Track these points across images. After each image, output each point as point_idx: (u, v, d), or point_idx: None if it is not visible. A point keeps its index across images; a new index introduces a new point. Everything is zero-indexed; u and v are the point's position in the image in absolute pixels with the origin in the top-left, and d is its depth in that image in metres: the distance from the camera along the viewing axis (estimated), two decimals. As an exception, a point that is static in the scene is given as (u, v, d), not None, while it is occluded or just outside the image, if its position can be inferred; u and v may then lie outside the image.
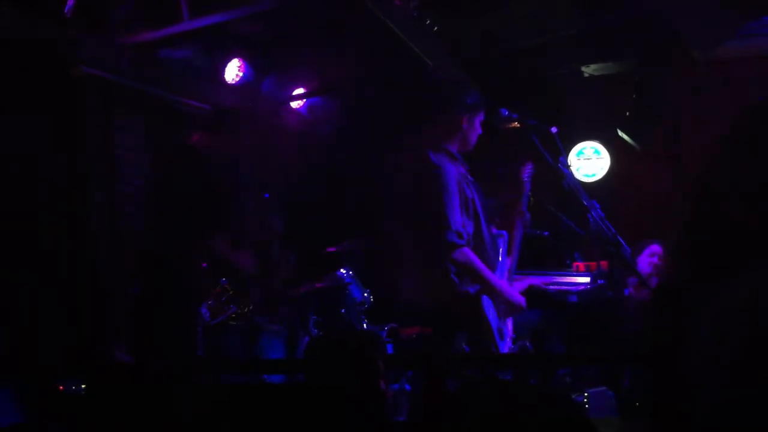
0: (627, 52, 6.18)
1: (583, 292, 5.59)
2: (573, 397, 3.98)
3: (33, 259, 4.48)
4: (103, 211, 4.98)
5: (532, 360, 3.80)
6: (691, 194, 1.19)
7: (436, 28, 5.54)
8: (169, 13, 4.76)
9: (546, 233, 5.11)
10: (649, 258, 4.83)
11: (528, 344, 4.04)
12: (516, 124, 3.86)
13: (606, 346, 4.82)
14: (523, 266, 4.08)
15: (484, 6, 5.52)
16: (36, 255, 4.51)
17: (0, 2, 4.25)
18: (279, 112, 6.77)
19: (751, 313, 0.90)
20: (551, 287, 5.71)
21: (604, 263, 5.62)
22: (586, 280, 5.73)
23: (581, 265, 5.92)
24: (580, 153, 7.18)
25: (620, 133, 6.33)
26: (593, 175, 7.12)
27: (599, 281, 5.57)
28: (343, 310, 5.28)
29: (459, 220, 3.50)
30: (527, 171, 4.02)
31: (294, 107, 6.88)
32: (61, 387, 3.64)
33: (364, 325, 5.28)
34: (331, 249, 5.67)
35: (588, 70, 6.71)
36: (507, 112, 3.82)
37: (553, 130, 3.81)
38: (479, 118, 3.76)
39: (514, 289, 3.80)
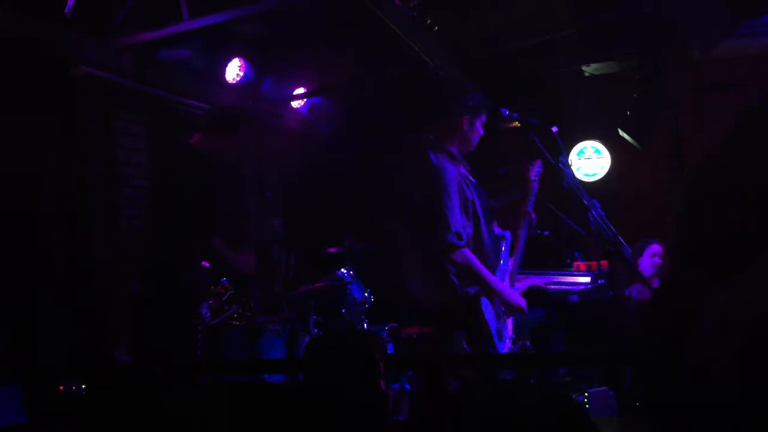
0: (627, 51, 6.18)
1: (583, 291, 5.60)
2: (573, 397, 3.98)
3: (33, 259, 4.48)
4: (103, 211, 4.98)
5: (532, 360, 3.79)
6: (690, 194, 1.19)
7: (436, 28, 5.54)
8: (169, 13, 4.76)
9: (546, 233, 5.12)
10: (650, 259, 4.84)
11: (528, 344, 4.04)
12: (516, 123, 3.86)
13: (606, 345, 4.82)
14: (523, 266, 4.07)
15: (484, 5, 5.52)
16: (36, 255, 4.51)
17: (0, 2, 4.25)
18: (279, 112, 6.77)
19: (752, 313, 0.89)
20: (552, 287, 5.72)
21: (604, 263, 5.62)
22: (587, 279, 5.73)
23: (582, 264, 5.93)
24: (580, 152, 7.19)
25: (621, 133, 6.33)
26: (594, 174, 7.13)
27: (600, 281, 5.58)
28: (343, 310, 5.29)
29: (459, 221, 3.50)
30: (535, 170, 4.01)
31: (294, 107, 6.89)
32: (61, 387, 3.64)
33: (365, 324, 5.29)
34: (331, 249, 5.67)
35: (588, 69, 6.71)
36: (507, 112, 3.82)
37: (554, 129, 3.81)
38: (481, 119, 3.76)
39: (516, 291, 3.80)
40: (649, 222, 5.48)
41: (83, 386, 3.58)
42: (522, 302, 3.69)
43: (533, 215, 3.97)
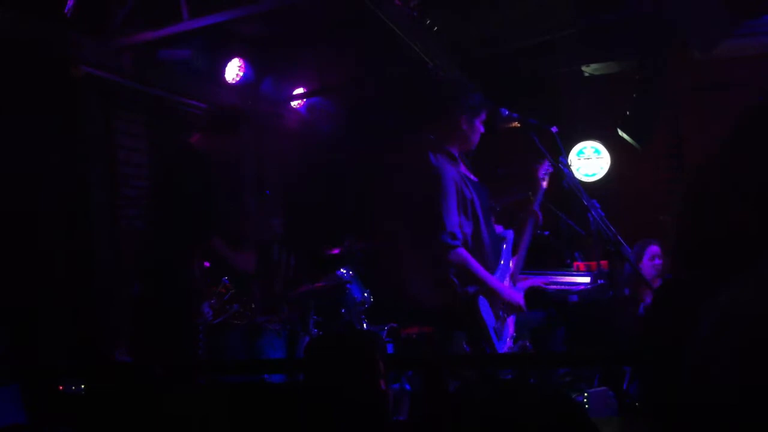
0: (627, 51, 6.18)
1: (583, 291, 5.60)
2: (573, 397, 3.98)
3: (33, 259, 4.48)
4: (103, 211, 4.98)
5: (532, 360, 3.79)
6: (690, 194, 1.19)
7: (435, 28, 5.54)
8: (169, 13, 4.76)
9: (546, 233, 5.12)
10: (650, 261, 4.82)
11: (528, 344, 4.04)
12: (516, 123, 3.86)
13: (606, 345, 4.82)
14: (524, 266, 4.07)
15: (484, 5, 5.52)
16: (36, 255, 4.51)
17: (0, 3, 4.25)
18: (279, 112, 6.78)
19: (752, 313, 0.89)
20: (551, 287, 5.71)
21: (604, 263, 5.62)
22: (587, 279, 5.73)
23: (581, 264, 5.93)
24: (580, 153, 7.19)
25: (620, 133, 6.33)
26: (593, 174, 7.13)
27: (599, 281, 5.57)
28: (343, 310, 5.29)
29: (455, 221, 3.50)
30: (543, 169, 4.00)
31: (294, 107, 6.89)
32: (60, 387, 3.64)
33: (364, 324, 5.29)
34: (331, 249, 5.68)
35: (588, 69, 6.71)
36: (507, 112, 3.82)
37: (554, 129, 3.81)
38: (480, 118, 3.76)
39: (518, 289, 3.80)
40: (649, 222, 5.49)
41: (83, 386, 3.58)
42: (520, 300, 3.69)
43: (540, 215, 3.96)
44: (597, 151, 7.15)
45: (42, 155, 4.61)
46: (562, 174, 3.83)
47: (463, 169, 3.75)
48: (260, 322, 4.85)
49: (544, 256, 5.81)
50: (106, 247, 4.95)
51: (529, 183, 4.02)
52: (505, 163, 5.81)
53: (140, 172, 5.31)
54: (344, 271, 5.36)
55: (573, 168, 6.42)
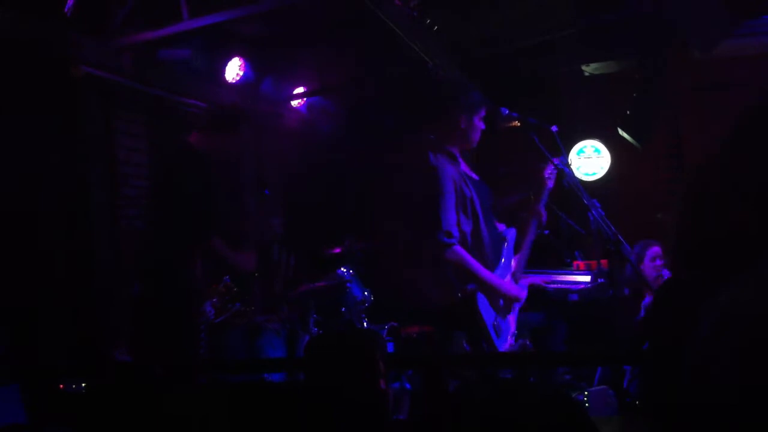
0: (627, 51, 6.19)
1: (583, 290, 5.60)
2: (573, 396, 3.98)
3: (33, 259, 4.47)
4: (103, 211, 4.98)
5: (532, 359, 3.79)
6: (690, 194, 1.19)
7: (435, 28, 5.54)
8: (169, 12, 4.76)
9: (546, 232, 5.11)
10: (651, 263, 4.81)
11: (528, 342, 4.04)
12: (516, 123, 3.86)
13: (606, 344, 4.82)
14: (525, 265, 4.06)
15: (484, 5, 5.52)
16: (36, 255, 4.51)
17: (0, 3, 4.25)
18: (279, 112, 6.78)
19: (752, 313, 0.89)
20: (551, 286, 5.71)
21: (604, 262, 5.62)
22: (587, 279, 5.73)
23: (581, 263, 5.93)
24: (580, 152, 7.19)
25: (620, 132, 6.33)
26: (593, 173, 7.14)
27: (599, 280, 5.58)
28: (343, 309, 5.29)
29: (452, 220, 3.51)
30: (549, 169, 3.98)
31: (294, 106, 6.89)
32: (60, 386, 3.64)
33: (365, 323, 5.29)
34: (331, 249, 5.68)
35: (588, 69, 6.72)
36: (507, 111, 3.82)
37: (554, 128, 3.81)
38: (479, 116, 3.76)
39: (521, 286, 3.80)
40: (649, 221, 5.49)
41: (83, 385, 3.58)
42: (518, 292, 3.69)
43: (544, 214, 3.95)
44: (597, 151, 7.16)
45: (42, 155, 4.61)
46: (562, 173, 3.83)
47: (463, 167, 3.75)
48: (260, 321, 4.85)
49: (545, 255, 5.81)
50: (106, 247, 4.95)
51: (534, 183, 4.02)
52: (510, 163, 5.81)
53: (140, 172, 5.31)
54: (344, 270, 5.37)
55: (573, 167, 6.41)
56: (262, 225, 5.34)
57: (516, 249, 3.87)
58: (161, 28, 4.86)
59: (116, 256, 4.98)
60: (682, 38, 5.44)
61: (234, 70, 5.89)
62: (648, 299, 4.63)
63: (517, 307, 3.78)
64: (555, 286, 5.73)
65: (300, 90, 6.83)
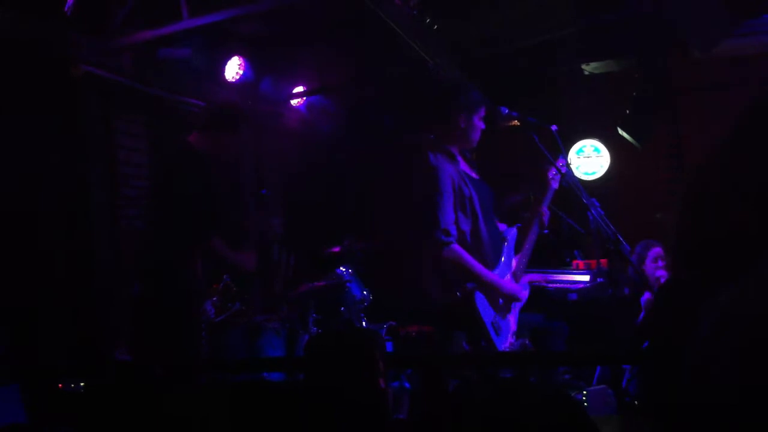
0: (627, 50, 6.19)
1: (582, 290, 5.61)
2: (573, 395, 3.98)
3: (33, 259, 4.48)
4: (103, 211, 4.98)
5: (532, 359, 3.80)
6: (690, 194, 1.19)
7: (435, 27, 5.54)
8: (169, 12, 4.76)
9: (546, 231, 5.11)
10: (653, 264, 4.81)
11: (527, 342, 4.04)
12: (516, 122, 3.85)
13: (606, 344, 4.83)
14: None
15: (484, 5, 5.52)
16: (36, 255, 4.51)
17: (0, 3, 4.25)
18: (279, 111, 6.78)
19: (752, 313, 0.90)
20: (551, 285, 5.72)
21: (603, 261, 5.62)
22: (586, 278, 5.74)
23: (581, 263, 5.93)
24: (580, 151, 7.19)
25: (620, 131, 6.33)
26: (593, 173, 7.14)
27: (599, 279, 5.58)
28: (342, 309, 5.30)
29: (450, 219, 3.51)
30: (554, 170, 3.97)
31: (294, 106, 6.89)
32: (60, 385, 3.64)
33: (364, 323, 5.29)
34: (331, 248, 5.68)
35: (588, 68, 6.71)
36: (507, 111, 3.81)
37: (553, 128, 3.81)
38: (478, 115, 3.76)
39: (521, 285, 3.79)
40: (649, 221, 5.49)
41: (82, 384, 3.58)
42: (518, 291, 3.68)
43: (547, 214, 3.94)
44: (597, 150, 7.16)
45: (42, 155, 4.61)
46: (562, 172, 3.83)
47: (462, 166, 3.75)
48: (260, 320, 4.86)
49: (544, 255, 5.82)
50: (106, 247, 4.95)
51: (537, 183, 4.01)
52: (511, 163, 5.81)
53: (140, 172, 5.31)
54: (344, 270, 5.37)
55: (573, 166, 6.42)
56: (262, 225, 5.34)
57: (517, 249, 3.87)
58: (161, 27, 4.86)
59: (116, 256, 4.98)
60: (682, 38, 5.44)
61: (234, 69, 5.89)
62: (647, 296, 4.63)
63: (517, 306, 3.78)
64: (554, 285, 5.74)
65: (300, 89, 6.83)
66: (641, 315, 4.61)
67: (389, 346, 5.25)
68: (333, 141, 7.22)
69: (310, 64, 6.58)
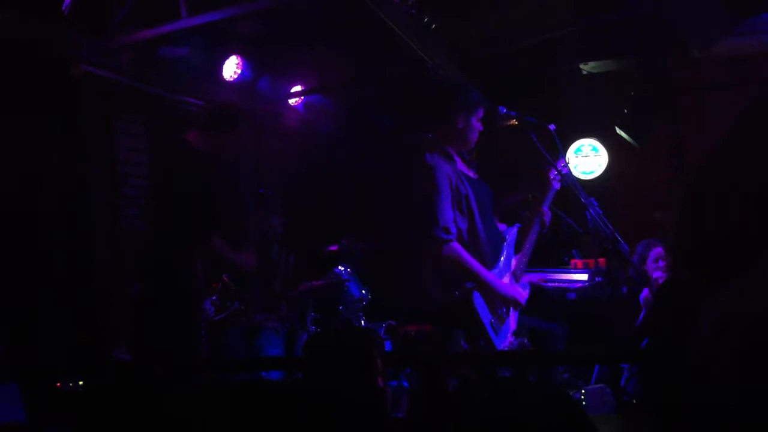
0: (626, 49, 6.19)
1: (581, 289, 5.61)
2: (571, 394, 3.98)
3: (33, 259, 4.48)
4: (103, 211, 4.98)
5: (531, 358, 3.80)
6: (690, 194, 1.19)
7: (434, 26, 5.54)
8: (168, 11, 4.76)
9: (544, 230, 5.12)
10: (654, 263, 4.80)
11: (526, 341, 4.04)
12: (514, 121, 3.85)
13: (604, 343, 4.83)
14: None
15: (484, 5, 5.52)
16: (36, 255, 4.51)
17: (0, 3, 4.25)
18: (278, 111, 6.78)
19: (752, 313, 0.90)
20: (549, 285, 5.72)
21: (602, 260, 5.63)
22: (584, 277, 5.74)
23: (579, 262, 5.94)
24: (578, 150, 7.19)
25: (618, 131, 6.33)
26: (591, 172, 7.13)
27: (597, 278, 5.58)
28: (341, 308, 5.30)
29: (449, 217, 3.51)
30: (557, 169, 3.96)
31: (292, 105, 6.89)
32: (59, 384, 3.64)
33: (362, 322, 5.29)
34: (330, 247, 5.68)
35: (586, 67, 6.71)
36: (505, 110, 3.81)
37: (552, 127, 3.81)
38: (476, 116, 3.76)
39: (522, 286, 3.79)
40: (648, 221, 5.49)
41: (81, 383, 3.58)
42: (518, 295, 3.68)
43: (549, 215, 3.94)
44: (595, 149, 7.15)
45: (42, 155, 4.61)
46: (563, 174, 3.84)
47: (459, 166, 3.75)
48: (259, 319, 4.86)
49: (542, 254, 5.83)
50: (106, 247, 4.96)
51: (538, 183, 4.01)
52: (510, 162, 5.81)
53: (140, 172, 5.31)
54: (342, 269, 5.37)
55: (571, 166, 6.42)
56: (261, 225, 5.34)
57: (517, 248, 3.87)
58: (160, 26, 4.86)
59: (116, 256, 4.98)
60: (682, 38, 5.44)
61: (232, 67, 5.89)
62: (645, 293, 4.63)
63: (519, 307, 3.77)
64: (553, 284, 5.74)
65: (298, 88, 6.82)
66: (642, 312, 4.60)
67: (388, 345, 5.25)
68: (332, 141, 7.22)
69: (309, 64, 6.57)
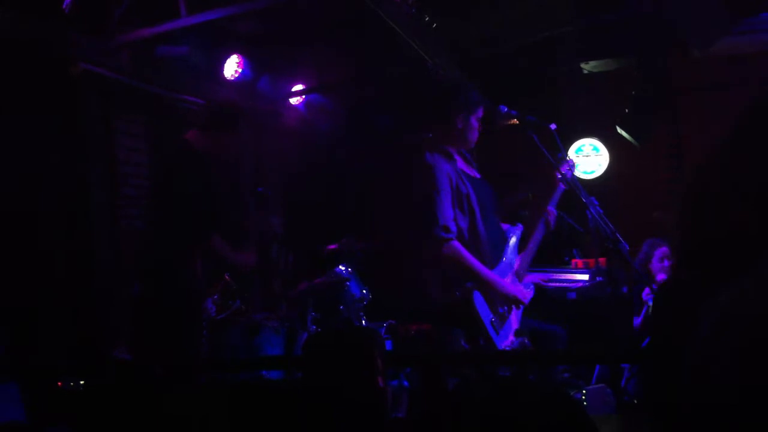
0: (626, 49, 6.19)
1: (581, 289, 5.61)
2: (572, 394, 3.98)
3: (33, 259, 4.48)
4: (103, 211, 4.98)
5: (531, 357, 3.80)
6: (690, 194, 1.19)
7: (434, 26, 5.54)
8: (167, 10, 4.76)
9: (550, 230, 5.12)
10: (660, 263, 4.80)
11: (527, 341, 4.03)
12: (515, 120, 3.85)
13: (605, 343, 4.83)
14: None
15: (484, 5, 5.52)
16: (36, 255, 4.51)
17: (0, 3, 4.25)
18: (278, 110, 6.78)
19: (752, 313, 0.90)
20: (550, 284, 5.72)
21: (602, 260, 5.62)
22: (585, 277, 5.74)
23: (580, 262, 5.94)
24: (579, 150, 7.19)
25: (619, 130, 6.33)
26: (592, 172, 7.14)
27: (598, 278, 5.58)
28: (341, 307, 5.29)
29: (449, 215, 3.51)
30: (562, 170, 3.95)
31: (292, 104, 6.89)
32: (59, 384, 3.64)
33: (363, 321, 5.29)
34: (330, 246, 5.68)
35: (587, 67, 6.72)
36: (506, 109, 3.81)
37: (552, 126, 3.81)
38: (476, 116, 3.76)
39: (525, 285, 3.79)
40: (648, 221, 5.49)
41: (81, 383, 3.58)
42: (519, 294, 3.67)
43: (553, 214, 3.93)
44: (596, 149, 7.16)
45: (42, 155, 4.61)
46: (567, 178, 3.83)
47: (460, 165, 3.75)
48: (259, 319, 4.85)
49: (543, 254, 5.82)
50: (106, 247, 4.96)
51: (543, 182, 4.00)
52: (513, 163, 5.82)
53: (140, 172, 5.31)
54: (343, 268, 5.36)
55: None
56: (261, 224, 5.34)
57: (521, 248, 3.87)
58: (159, 25, 4.85)
59: (116, 256, 4.98)
60: (682, 38, 5.44)
61: (232, 67, 5.89)
62: (646, 291, 4.63)
63: (521, 306, 3.77)
64: (553, 284, 5.74)
65: (298, 87, 6.82)
66: (643, 310, 4.60)
67: (388, 345, 5.24)
68: (332, 141, 7.22)
69: (309, 63, 6.57)
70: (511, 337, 3.67)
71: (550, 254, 5.95)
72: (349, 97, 7.27)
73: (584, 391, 4.10)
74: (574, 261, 5.97)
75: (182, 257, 3.65)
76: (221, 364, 4.10)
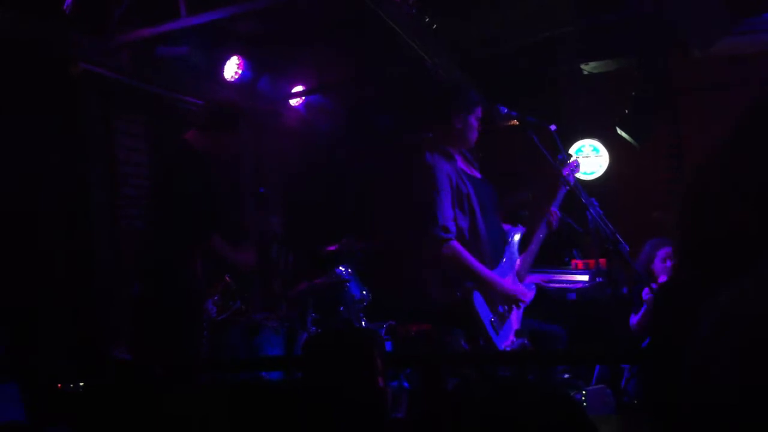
0: (626, 49, 6.19)
1: (581, 290, 5.60)
2: (571, 394, 3.98)
3: (33, 259, 4.48)
4: (103, 211, 4.98)
5: (531, 358, 3.80)
6: (691, 194, 1.19)
7: (434, 26, 5.54)
8: (168, 10, 4.75)
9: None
10: (662, 263, 4.79)
11: (527, 342, 4.03)
12: (515, 121, 3.85)
13: (605, 344, 4.83)
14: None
15: (484, 6, 5.52)
16: (36, 255, 4.51)
17: (0, 3, 4.25)
18: (278, 111, 6.78)
19: (752, 313, 0.90)
20: (550, 285, 5.71)
21: (602, 261, 5.62)
22: (585, 278, 5.74)
23: (580, 262, 5.93)
24: (579, 150, 7.19)
25: (619, 131, 6.33)
26: (592, 172, 7.14)
27: (598, 279, 5.58)
28: (341, 308, 5.29)
29: (448, 215, 3.51)
30: (566, 170, 3.95)
31: (292, 105, 6.89)
32: (59, 384, 3.64)
33: (363, 322, 5.29)
34: (330, 247, 5.68)
35: (587, 67, 6.71)
36: (506, 110, 3.81)
37: (552, 127, 3.81)
38: (474, 116, 3.76)
39: (527, 285, 3.79)
40: (648, 221, 5.48)
41: (81, 384, 3.58)
42: (520, 293, 3.67)
43: (556, 216, 3.92)
44: (596, 150, 7.16)
45: (42, 155, 4.61)
46: (569, 182, 3.83)
47: (460, 165, 3.75)
48: (259, 319, 4.85)
49: (543, 254, 5.82)
50: (106, 247, 4.95)
51: (545, 183, 4.00)
52: (512, 163, 5.81)
53: (140, 172, 5.31)
54: (343, 269, 5.36)
55: (572, 166, 6.40)
56: (261, 224, 5.34)
57: (522, 248, 3.86)
58: (159, 25, 4.85)
59: (116, 256, 4.98)
60: (683, 38, 5.44)
61: (232, 68, 5.89)
62: (646, 291, 4.63)
63: (522, 305, 3.76)
64: (553, 285, 5.73)
65: (298, 88, 6.82)
66: (642, 309, 4.59)
67: (388, 346, 5.24)
68: (332, 141, 7.22)
69: (309, 64, 6.57)
70: (512, 337, 3.67)
71: (550, 255, 5.95)
72: (349, 97, 7.27)
73: (584, 392, 4.10)
74: (574, 262, 5.96)
75: (182, 257, 3.65)
76: (221, 364, 4.10)
